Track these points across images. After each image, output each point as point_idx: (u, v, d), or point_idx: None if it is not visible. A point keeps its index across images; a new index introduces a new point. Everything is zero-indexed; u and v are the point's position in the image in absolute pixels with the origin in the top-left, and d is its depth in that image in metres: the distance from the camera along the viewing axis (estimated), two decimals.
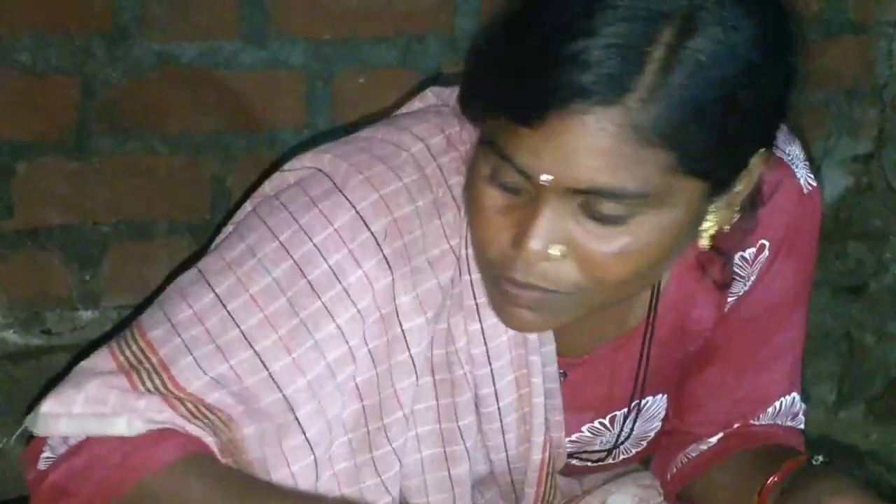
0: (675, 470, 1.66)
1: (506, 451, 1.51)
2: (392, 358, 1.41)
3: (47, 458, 1.38)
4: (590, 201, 1.26)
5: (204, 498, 1.34)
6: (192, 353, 1.37)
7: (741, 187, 1.34)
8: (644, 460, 1.72)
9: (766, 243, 1.52)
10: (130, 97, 1.99)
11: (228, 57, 2.02)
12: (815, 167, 1.68)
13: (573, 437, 1.60)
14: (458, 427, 1.46)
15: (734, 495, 1.55)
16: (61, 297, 2.07)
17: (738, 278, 1.53)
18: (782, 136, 1.47)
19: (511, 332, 1.43)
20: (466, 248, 1.41)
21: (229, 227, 1.48)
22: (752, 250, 1.51)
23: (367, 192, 1.38)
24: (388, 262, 1.38)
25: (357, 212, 1.37)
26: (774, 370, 1.60)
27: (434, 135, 1.44)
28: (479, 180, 1.31)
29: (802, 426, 1.66)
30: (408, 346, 1.41)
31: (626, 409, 1.59)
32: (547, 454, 1.52)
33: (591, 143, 1.22)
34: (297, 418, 1.37)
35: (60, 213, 2.03)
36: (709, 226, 1.35)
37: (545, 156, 1.24)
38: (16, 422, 1.57)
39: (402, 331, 1.40)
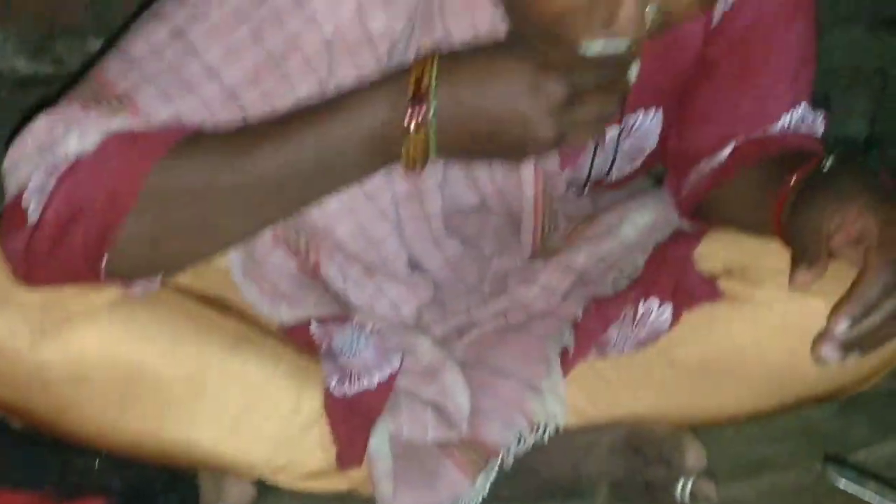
0: (688, 189, 1.60)
1: (494, 183, 1.48)
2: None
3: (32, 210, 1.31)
4: None
5: (211, 170, 1.30)
6: (154, 85, 1.31)
7: None
8: (660, 178, 1.67)
9: None
10: None
11: None
12: None
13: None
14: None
15: (750, 206, 1.49)
16: (72, 26, 2.02)
17: None
18: None
19: None
20: None
21: None
22: None
23: None
24: None
25: None
26: (778, 87, 1.54)
27: None
28: None
29: (819, 133, 1.59)
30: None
31: (618, 127, 1.53)
32: (539, 186, 1.48)
33: None
34: None
35: None
36: None
37: None
38: None
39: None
